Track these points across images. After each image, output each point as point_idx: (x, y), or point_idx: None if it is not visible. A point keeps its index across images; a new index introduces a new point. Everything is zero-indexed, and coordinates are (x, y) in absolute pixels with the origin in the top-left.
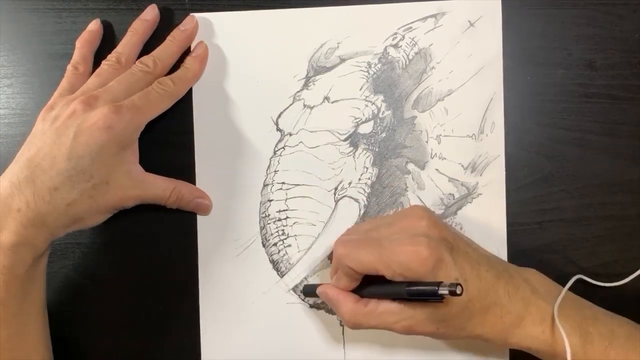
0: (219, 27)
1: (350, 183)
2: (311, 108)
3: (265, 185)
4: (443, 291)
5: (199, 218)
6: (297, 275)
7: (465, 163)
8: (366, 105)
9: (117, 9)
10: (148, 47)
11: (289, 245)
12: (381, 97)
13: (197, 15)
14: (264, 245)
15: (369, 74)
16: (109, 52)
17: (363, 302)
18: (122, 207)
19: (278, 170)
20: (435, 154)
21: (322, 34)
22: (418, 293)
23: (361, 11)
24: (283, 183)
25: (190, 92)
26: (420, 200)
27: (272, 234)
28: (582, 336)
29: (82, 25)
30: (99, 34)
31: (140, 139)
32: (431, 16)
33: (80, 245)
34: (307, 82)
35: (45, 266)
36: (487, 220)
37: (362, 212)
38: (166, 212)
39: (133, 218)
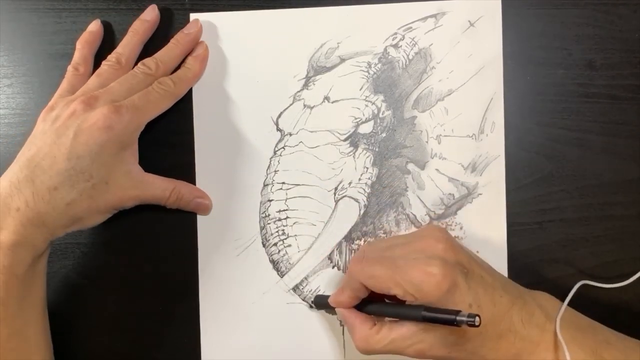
0: (219, 27)
1: (350, 183)
2: (311, 108)
3: (265, 185)
4: (460, 321)
5: (199, 218)
6: (297, 275)
7: (466, 163)
8: (366, 105)
9: (117, 9)
10: (148, 47)
11: (289, 245)
12: (381, 97)
13: (197, 15)
14: (264, 245)
15: (369, 74)
16: (109, 52)
17: (376, 328)
18: (122, 208)
19: (278, 170)
20: (436, 154)
21: (322, 33)
22: (434, 320)
23: (361, 11)
24: (283, 183)
25: (190, 92)
26: (420, 200)
27: (272, 234)
28: None
29: (82, 25)
30: (100, 35)
31: (140, 139)
32: (431, 16)
33: (80, 245)
34: (307, 82)
35: (45, 266)
36: (487, 220)
37: (362, 212)
38: (166, 212)
39: (133, 218)
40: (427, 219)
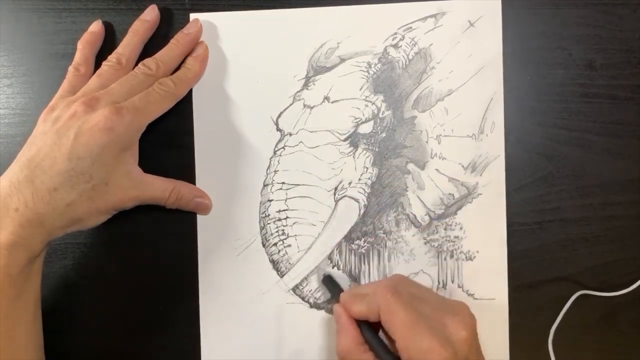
0: (219, 27)
1: (350, 183)
2: (311, 108)
3: (265, 185)
4: None
5: (199, 218)
6: (297, 275)
7: (465, 163)
8: (366, 105)
9: (117, 9)
10: (148, 47)
11: (289, 245)
12: (381, 97)
13: (197, 15)
14: (264, 245)
15: (369, 74)
16: (109, 52)
17: (362, 348)
18: (122, 208)
19: (278, 170)
20: (435, 154)
21: (322, 34)
22: None
23: (361, 11)
24: (283, 183)
25: (190, 92)
26: (420, 200)
27: (272, 234)
28: None
29: (82, 25)
30: (101, 35)
31: (140, 140)
32: (431, 16)
33: (80, 245)
34: (307, 82)
35: (41, 266)
36: (487, 220)
37: (362, 212)
38: (166, 212)
39: (133, 218)
40: (427, 219)
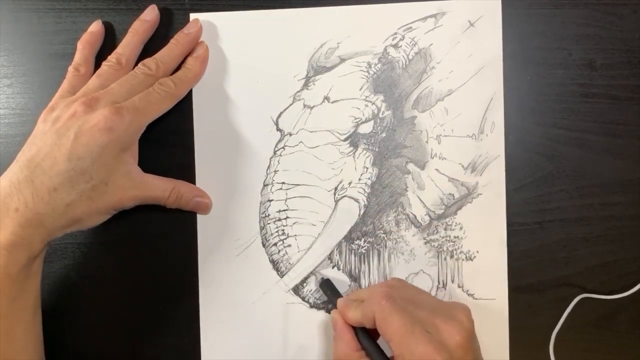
0: (219, 27)
1: (350, 183)
2: (311, 108)
3: (265, 185)
4: None
5: (199, 218)
6: (297, 275)
7: (465, 163)
8: (366, 105)
9: (117, 9)
10: (148, 47)
11: (289, 245)
12: (381, 97)
13: (197, 15)
14: (263, 245)
15: (369, 74)
16: (109, 52)
17: (359, 354)
18: (121, 208)
19: (278, 170)
20: (435, 154)
21: (322, 34)
22: None
23: (361, 11)
24: (283, 183)
25: (190, 92)
26: (420, 200)
27: (272, 234)
28: None
29: (82, 26)
30: (101, 35)
31: (140, 139)
32: (431, 16)
33: (80, 245)
34: (307, 82)
35: (40, 266)
36: (487, 220)
37: (362, 212)
38: (166, 212)
39: (133, 218)
40: (427, 219)
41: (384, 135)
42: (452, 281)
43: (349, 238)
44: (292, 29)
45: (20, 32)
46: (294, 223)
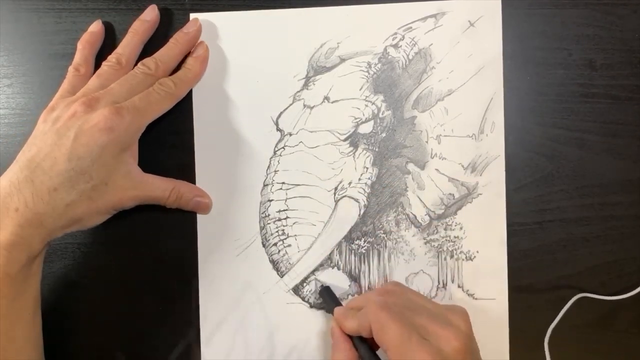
0: (219, 27)
1: (350, 183)
2: (311, 108)
3: (265, 185)
4: None
5: (199, 218)
6: (297, 275)
7: (465, 163)
8: (366, 105)
9: (117, 9)
10: (148, 47)
11: (289, 245)
12: (381, 97)
13: (197, 15)
14: (263, 245)
15: (369, 74)
16: (109, 52)
17: None
18: (121, 208)
19: (278, 170)
20: (435, 154)
21: (322, 34)
22: None
23: (361, 11)
24: (283, 183)
25: (190, 91)
26: (420, 200)
27: (272, 234)
28: None
29: (82, 26)
30: (101, 35)
31: (140, 139)
32: (431, 16)
33: (80, 245)
34: (307, 82)
35: (40, 266)
36: (487, 220)
37: (362, 212)
38: (166, 212)
39: (133, 218)
40: (427, 219)
41: (384, 135)
42: (452, 281)
43: (349, 238)
44: (292, 29)
45: (20, 32)
46: (294, 223)
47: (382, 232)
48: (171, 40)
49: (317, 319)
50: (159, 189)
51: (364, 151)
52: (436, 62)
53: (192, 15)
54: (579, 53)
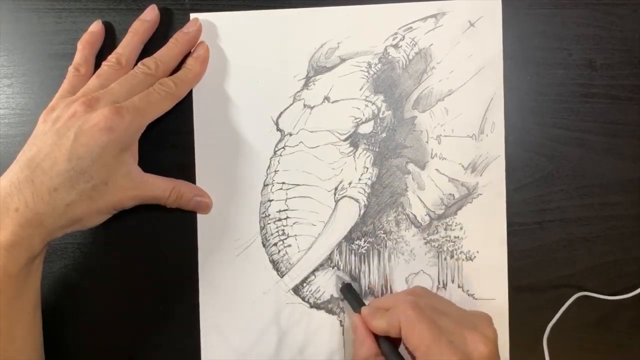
0: (219, 27)
1: (350, 183)
2: (311, 108)
3: (265, 185)
4: None
5: (199, 218)
6: (297, 275)
7: (466, 163)
8: (366, 105)
9: (117, 9)
10: (148, 47)
11: (289, 245)
12: (381, 97)
13: (197, 15)
14: (264, 245)
15: (369, 74)
16: (109, 52)
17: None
18: (122, 208)
19: (278, 170)
20: (436, 154)
21: (323, 34)
22: None
23: (361, 11)
24: (283, 183)
25: (190, 91)
26: (421, 200)
27: (272, 234)
28: None
29: (82, 26)
30: (101, 36)
31: (140, 139)
32: (431, 16)
33: (80, 245)
34: (307, 82)
35: (40, 266)
36: (487, 220)
37: (362, 212)
38: (166, 212)
39: (133, 218)
40: (427, 219)
41: (384, 135)
42: (452, 281)
43: (349, 238)
44: (293, 29)
45: (20, 32)
46: (294, 223)
47: (382, 232)
48: (171, 40)
49: (317, 319)
50: (159, 188)
51: (364, 151)
52: (436, 62)
53: (193, 16)
54: (579, 53)
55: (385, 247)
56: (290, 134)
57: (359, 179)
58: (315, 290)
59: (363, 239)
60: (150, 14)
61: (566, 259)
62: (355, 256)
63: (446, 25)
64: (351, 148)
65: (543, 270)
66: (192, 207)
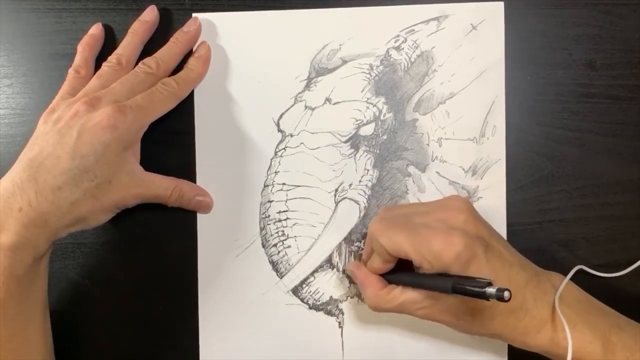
0: (220, 27)
1: (350, 185)
2: (312, 109)
3: (265, 186)
4: (490, 294)
5: (199, 218)
6: (296, 276)
7: (466, 166)
8: (367, 107)
9: (117, 9)
10: (148, 47)
11: (289, 247)
12: (383, 99)
13: (198, 15)
14: (263, 246)
15: (370, 76)
16: (109, 53)
17: (387, 289)
18: (124, 206)
19: (279, 171)
20: (436, 156)
21: (325, 35)
22: (464, 293)
23: (364, 13)
24: (283, 184)
25: (192, 91)
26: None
27: (272, 235)
28: (605, 345)
29: (82, 26)
30: (101, 38)
31: (141, 138)
32: (434, 19)
33: (81, 245)
34: (308, 84)
35: (46, 266)
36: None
37: (362, 214)
38: (166, 212)
39: (134, 218)
40: None
41: (385, 137)
42: None
43: (348, 240)
44: (294, 30)
45: (20, 32)
46: (294, 224)
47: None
48: (171, 40)
49: (316, 320)
50: (161, 187)
51: (365, 153)
52: (438, 65)
53: (193, 16)
54: (579, 53)
55: None
56: (291, 135)
57: (360, 181)
58: (314, 292)
59: (363, 241)
60: (150, 15)
61: (566, 259)
62: (354, 258)
63: (448, 28)
64: (352, 150)
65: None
66: (193, 207)
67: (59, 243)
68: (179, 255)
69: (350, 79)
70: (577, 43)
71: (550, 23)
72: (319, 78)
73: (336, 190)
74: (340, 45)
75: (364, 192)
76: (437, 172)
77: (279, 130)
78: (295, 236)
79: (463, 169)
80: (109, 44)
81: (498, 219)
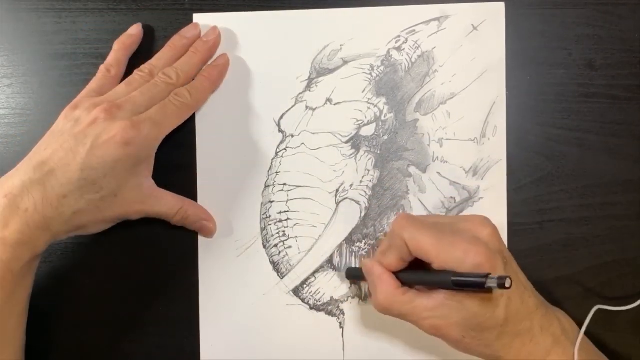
0: (221, 27)
1: (351, 185)
2: (313, 110)
3: (266, 187)
4: (491, 283)
5: None
6: (297, 276)
7: (467, 167)
8: (368, 108)
9: (117, 9)
10: (147, 49)
11: (290, 247)
12: (383, 100)
13: (198, 15)
14: (264, 247)
15: (371, 76)
16: (109, 53)
17: (403, 289)
18: (126, 219)
19: (279, 172)
20: (437, 157)
21: (325, 35)
22: (465, 284)
23: (365, 13)
24: (284, 184)
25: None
26: (422, 203)
27: (272, 235)
28: None
29: (82, 26)
30: (138, 39)
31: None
32: (435, 19)
33: (80, 245)
34: (309, 84)
35: (36, 266)
36: None
37: (363, 214)
38: None
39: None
40: None
41: (385, 137)
42: None
43: (349, 240)
44: (295, 31)
45: (20, 32)
46: (294, 224)
47: (383, 234)
48: (191, 49)
49: (317, 320)
50: (167, 206)
51: (366, 153)
52: (439, 66)
53: (194, 17)
54: (579, 53)
55: None
56: (292, 136)
57: (360, 181)
58: (315, 292)
59: (364, 241)
60: (191, 31)
61: (566, 259)
62: (355, 258)
63: (449, 28)
64: (353, 150)
65: (543, 270)
66: (196, 229)
67: (58, 243)
68: (179, 255)
69: (351, 80)
70: (577, 43)
71: (551, 23)
72: (320, 78)
73: (337, 190)
74: (341, 45)
75: (365, 192)
76: (438, 173)
77: (280, 131)
78: (296, 236)
79: (464, 170)
80: (110, 44)
81: (498, 219)
